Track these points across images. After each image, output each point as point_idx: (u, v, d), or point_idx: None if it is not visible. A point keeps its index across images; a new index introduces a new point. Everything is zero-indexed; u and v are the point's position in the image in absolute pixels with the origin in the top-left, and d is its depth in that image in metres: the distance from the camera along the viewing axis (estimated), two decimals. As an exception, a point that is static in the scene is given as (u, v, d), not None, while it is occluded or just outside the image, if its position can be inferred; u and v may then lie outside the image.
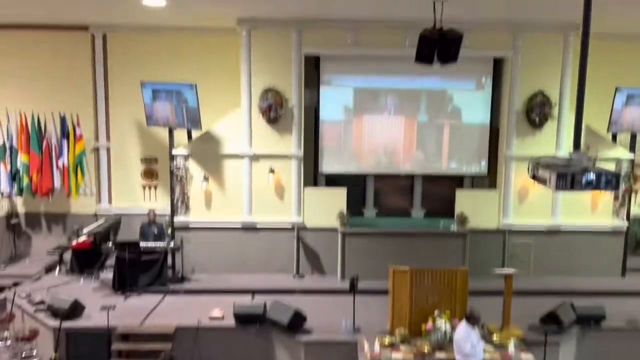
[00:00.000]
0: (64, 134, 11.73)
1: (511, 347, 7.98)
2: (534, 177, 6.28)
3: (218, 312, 9.23)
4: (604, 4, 8.27)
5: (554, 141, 11.25)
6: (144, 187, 12.55)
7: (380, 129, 11.56)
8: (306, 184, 11.44)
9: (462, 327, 7.41)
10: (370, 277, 10.32)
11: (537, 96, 11.05)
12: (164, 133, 11.50)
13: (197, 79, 11.10)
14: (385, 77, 11.37)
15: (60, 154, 11.72)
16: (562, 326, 8.68)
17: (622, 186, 10.06)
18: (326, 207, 11.22)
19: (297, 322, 8.77)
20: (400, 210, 12.37)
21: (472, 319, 7.35)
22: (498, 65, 11.48)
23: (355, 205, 11.93)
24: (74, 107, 11.90)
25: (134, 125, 12.30)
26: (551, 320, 8.79)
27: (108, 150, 12.42)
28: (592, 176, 5.45)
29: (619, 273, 11.56)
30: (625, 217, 11.52)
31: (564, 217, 11.42)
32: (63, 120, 11.75)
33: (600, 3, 6.71)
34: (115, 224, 12.31)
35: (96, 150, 12.40)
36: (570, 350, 8.96)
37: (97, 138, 12.36)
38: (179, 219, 11.16)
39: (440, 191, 12.33)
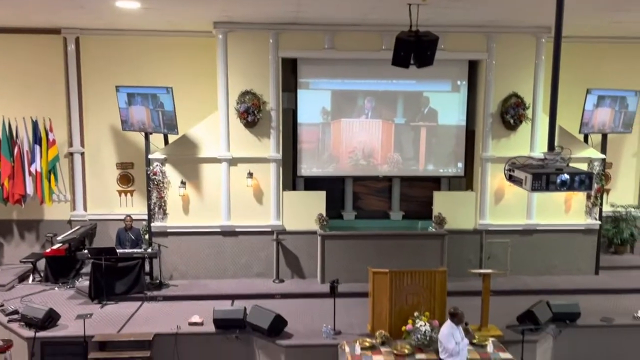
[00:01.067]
0: (37, 139, 11.48)
1: (490, 347, 8.08)
2: (510, 178, 6.38)
3: (197, 317, 9.15)
4: (576, 8, 8.50)
5: (529, 143, 11.45)
6: (119, 193, 12.37)
7: (358, 131, 11.62)
8: (285, 187, 11.42)
9: (446, 325, 7.50)
10: (350, 280, 10.38)
11: (511, 98, 11.24)
12: (139, 138, 11.37)
13: (173, 82, 11.00)
14: (363, 80, 11.43)
15: (32, 160, 11.47)
16: (539, 324, 8.83)
17: (595, 186, 10.27)
18: (305, 211, 11.22)
19: (277, 326, 8.75)
20: (379, 212, 12.46)
21: (456, 317, 7.45)
22: (473, 68, 11.64)
23: (334, 208, 11.97)
24: (47, 111, 11.67)
25: (109, 130, 12.13)
26: (528, 318, 8.93)
27: (82, 155, 12.19)
28: (566, 177, 5.57)
29: (592, 271, 11.82)
30: (597, 216, 11.79)
31: (539, 217, 11.62)
32: (35, 125, 11.50)
33: (572, 7, 6.87)
34: (90, 231, 12.11)
35: (70, 155, 12.17)
36: (547, 349, 9.13)
37: (70, 143, 12.13)
38: (157, 224, 11.03)
39: (418, 193, 12.46)
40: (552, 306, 9.24)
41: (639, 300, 10.46)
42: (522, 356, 8.39)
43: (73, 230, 11.81)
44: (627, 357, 9.31)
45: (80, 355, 8.44)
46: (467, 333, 7.55)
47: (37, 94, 11.79)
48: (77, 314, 8.70)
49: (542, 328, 8.93)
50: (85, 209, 12.31)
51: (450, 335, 7.35)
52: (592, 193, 11.66)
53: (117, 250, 10.33)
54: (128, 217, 11.01)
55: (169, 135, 11.25)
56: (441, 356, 7.45)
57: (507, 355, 8.00)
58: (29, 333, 8.62)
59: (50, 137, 11.57)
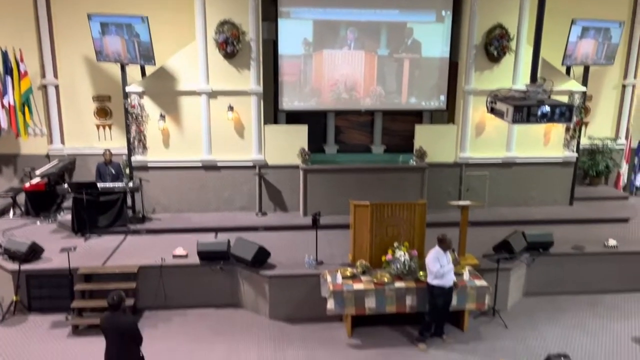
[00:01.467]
0: (7, 70, 11.05)
1: (466, 275, 8.39)
2: (492, 110, 6.41)
3: (181, 250, 9.27)
4: None
5: (512, 75, 11.38)
6: (97, 127, 12.13)
7: (340, 63, 11.39)
8: (266, 121, 11.30)
9: (433, 250, 7.86)
10: (332, 213, 10.52)
11: (496, 29, 11.05)
12: (116, 69, 11.01)
13: (148, 11, 10.53)
14: (345, 8, 11.08)
15: (4, 92, 11.10)
16: (514, 253, 9.15)
17: (574, 119, 10.36)
18: (287, 145, 11.17)
19: (261, 257, 8.92)
20: (360, 146, 12.48)
21: (443, 243, 7.75)
22: (458, -3, 11.35)
23: (316, 142, 11.94)
24: (16, 41, 11.17)
25: (84, 62, 11.71)
26: (503, 248, 9.24)
27: (57, 87, 11.82)
28: (547, 109, 5.60)
29: (567, 202, 12.16)
30: (575, 149, 11.97)
31: (518, 150, 11.77)
32: (5, 55, 11.03)
33: None
34: (69, 165, 11.96)
35: (44, 88, 11.79)
36: (521, 276, 9.52)
37: (43, 75, 11.72)
38: (137, 158, 10.91)
39: (400, 127, 12.46)
40: (526, 236, 9.55)
41: (609, 229, 10.87)
42: (496, 283, 8.77)
43: (51, 164, 11.65)
44: (596, 282, 9.78)
45: (65, 287, 8.56)
46: (454, 259, 7.91)
47: (4, 22, 11.23)
48: (60, 247, 8.73)
49: (516, 257, 9.26)
50: (62, 142, 12.10)
51: (435, 259, 7.73)
52: (571, 126, 11.79)
53: (98, 185, 10.24)
54: (107, 151, 10.86)
55: (146, 67, 10.92)
56: (428, 279, 7.81)
57: (482, 282, 8.33)
58: (14, 266, 8.68)
59: (22, 68, 11.15)
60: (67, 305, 8.45)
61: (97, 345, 7.73)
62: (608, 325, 8.69)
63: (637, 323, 8.77)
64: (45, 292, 8.72)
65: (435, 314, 7.95)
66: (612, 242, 9.93)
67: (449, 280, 7.81)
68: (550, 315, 8.97)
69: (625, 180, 13.40)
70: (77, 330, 8.28)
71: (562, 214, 11.58)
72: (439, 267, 7.69)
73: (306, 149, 11.11)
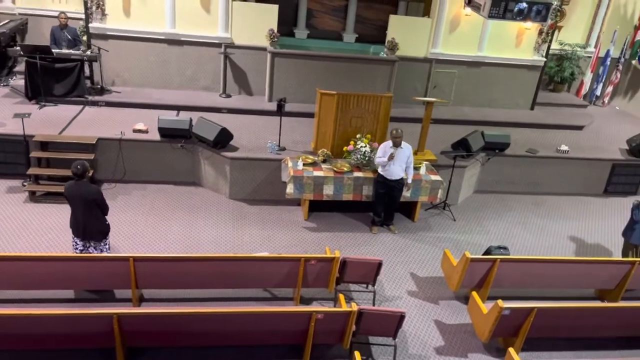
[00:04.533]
0: None
1: (423, 169, 8.62)
2: (469, 3, 6.21)
3: (142, 125, 9.08)
4: None
5: (493, -30, 10.94)
6: (51, -13, 11.22)
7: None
8: (235, -4, 10.68)
9: (385, 142, 8.06)
10: (297, 100, 10.40)
11: None
12: None
13: None
14: None
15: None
16: (471, 152, 9.40)
17: (549, 20, 10.20)
18: (256, 24, 10.66)
19: (223, 139, 8.85)
20: (332, 33, 12.08)
21: (394, 138, 7.85)
22: None
23: (286, 24, 11.45)
24: None
25: None
26: (462, 146, 9.46)
27: (3, -63, 10.72)
28: (524, 5, 5.47)
29: (528, 107, 12.35)
30: (544, 54, 11.94)
31: (488, 50, 11.65)
32: None
33: None
34: (21, 26, 11.16)
35: (-11, -64, 10.67)
36: (474, 174, 9.88)
37: None
38: (95, 25, 10.23)
39: (374, 15, 12.04)
40: (485, 135, 9.76)
41: (564, 135, 11.24)
42: (450, 179, 9.09)
43: (1, 23, 10.83)
44: (544, 185, 10.28)
45: (21, 153, 8.38)
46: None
47: None
48: (14, 112, 8.39)
49: (473, 155, 9.53)
50: (13, 1, 11.17)
51: (381, 150, 7.99)
52: (545, 29, 11.65)
53: (53, 50, 9.66)
54: (62, 14, 10.11)
55: None
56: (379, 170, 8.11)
57: (437, 177, 8.61)
58: (-36, 129, 8.37)
59: None
60: (23, 171, 8.33)
61: (54, 212, 7.80)
62: (549, 224, 9.28)
63: (576, 223, 9.39)
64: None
65: (378, 201, 8.27)
66: (564, 147, 10.30)
67: (391, 173, 7.99)
68: (497, 212, 9.47)
69: (587, 89, 13.65)
70: (34, 197, 8.23)
71: (522, 118, 11.81)
72: (380, 158, 7.94)
73: (275, 30, 10.65)
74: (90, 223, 6.08)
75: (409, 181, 8.16)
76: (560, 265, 6.80)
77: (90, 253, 6.19)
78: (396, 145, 7.86)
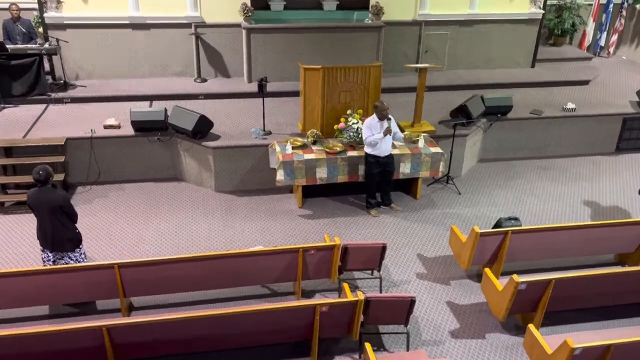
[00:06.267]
0: None
1: (421, 142, 8.62)
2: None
3: (113, 120, 9.01)
4: None
5: None
6: (-3, -25, 11.00)
7: None
8: (201, -30, 10.53)
9: (369, 117, 7.98)
10: (279, 78, 10.35)
11: None
12: None
13: None
14: None
15: None
16: (471, 119, 9.40)
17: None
18: (227, 0, 10.55)
19: (203, 128, 8.80)
20: (310, 2, 11.93)
21: (378, 110, 7.80)
22: None
23: (260, -4, 11.32)
24: None
25: None
26: (461, 113, 9.45)
27: None
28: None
29: (529, 64, 12.35)
30: (542, 5, 11.90)
31: (481, 7, 11.60)
32: None
33: None
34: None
35: None
36: (477, 142, 9.90)
37: None
38: (50, 15, 10.08)
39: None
40: (485, 100, 9.76)
41: (570, 92, 11.28)
42: (451, 150, 9.10)
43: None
44: (552, 147, 10.33)
45: (-16, 162, 8.30)
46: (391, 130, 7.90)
47: None
48: (-29, 118, 8.31)
49: (473, 122, 9.54)
50: (-44, -4, 10.96)
51: (367, 127, 7.88)
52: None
53: (7, 46, 9.52)
54: (13, 6, 9.93)
55: None
56: (365, 150, 8.00)
57: (437, 149, 8.61)
58: None
59: None
60: (-12, 182, 8.26)
61: (26, 223, 7.73)
62: (560, 188, 9.34)
63: (588, 185, 9.46)
64: (-40, 170, 8.43)
65: (372, 182, 8.26)
66: (570, 105, 10.33)
67: (383, 150, 7.97)
68: (504, 181, 9.52)
69: (590, 40, 13.65)
70: (2, 208, 8.17)
71: (523, 77, 11.81)
72: (371, 136, 7.84)
73: (248, 4, 10.53)
74: (59, 232, 6.01)
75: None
76: (576, 232, 6.85)
77: (65, 264, 6.14)
78: (383, 118, 7.83)
